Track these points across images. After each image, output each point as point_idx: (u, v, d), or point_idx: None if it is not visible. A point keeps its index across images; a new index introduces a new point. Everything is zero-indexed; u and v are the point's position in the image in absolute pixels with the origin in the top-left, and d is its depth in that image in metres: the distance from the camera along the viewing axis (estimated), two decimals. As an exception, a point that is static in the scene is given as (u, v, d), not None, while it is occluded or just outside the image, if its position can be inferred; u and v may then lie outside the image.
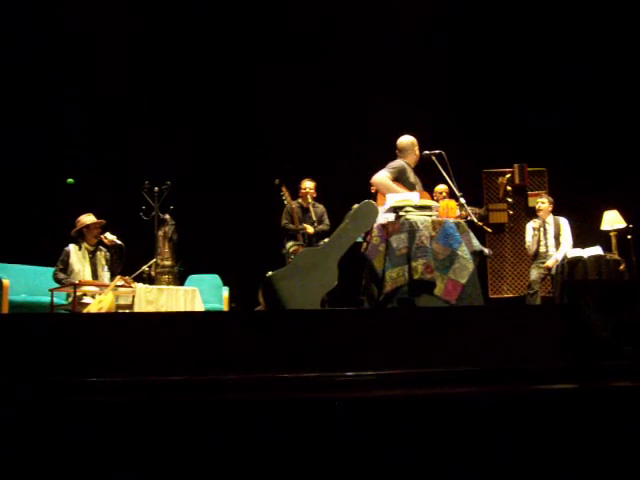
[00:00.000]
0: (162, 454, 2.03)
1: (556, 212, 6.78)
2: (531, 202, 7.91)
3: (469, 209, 4.76)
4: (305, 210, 6.15)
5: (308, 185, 6.23)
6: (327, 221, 6.20)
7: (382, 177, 4.88)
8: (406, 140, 5.05)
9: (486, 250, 4.60)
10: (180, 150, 7.23)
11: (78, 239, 5.87)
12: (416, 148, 5.00)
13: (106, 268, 5.93)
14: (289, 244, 5.84)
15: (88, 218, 5.89)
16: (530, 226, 6.70)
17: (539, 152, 7.70)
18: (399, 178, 4.91)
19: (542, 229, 6.56)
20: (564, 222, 6.58)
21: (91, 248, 5.89)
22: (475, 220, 4.79)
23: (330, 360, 2.53)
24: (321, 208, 6.26)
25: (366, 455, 2.04)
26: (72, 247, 5.81)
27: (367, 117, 7.25)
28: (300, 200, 6.23)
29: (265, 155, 7.13)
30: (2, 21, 6.77)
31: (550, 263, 6.34)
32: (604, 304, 2.74)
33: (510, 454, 2.07)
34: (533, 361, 2.59)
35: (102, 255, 5.94)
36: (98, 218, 5.98)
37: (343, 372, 2.41)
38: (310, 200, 6.18)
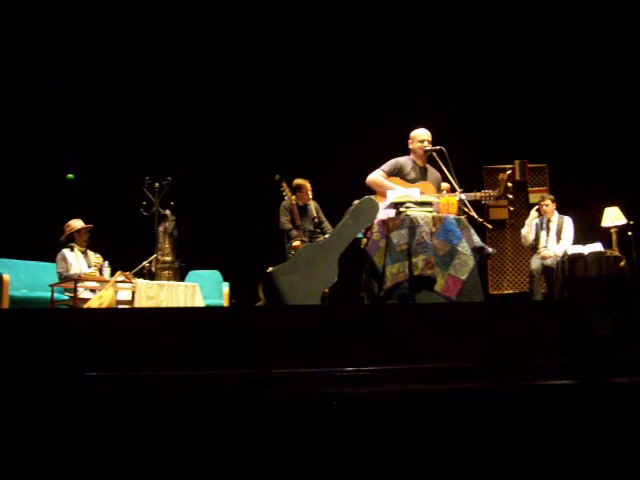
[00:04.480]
0: (162, 450, 2.04)
1: (557, 209, 6.82)
2: (532, 198, 7.94)
3: (481, 194, 4.76)
4: (303, 207, 6.10)
5: (307, 184, 6.18)
6: (323, 217, 6.17)
7: (374, 176, 4.87)
8: (411, 133, 5.01)
9: (489, 249, 4.58)
10: (180, 146, 7.23)
11: (69, 243, 5.96)
12: (416, 141, 4.92)
13: (106, 263, 5.95)
14: (295, 243, 5.74)
15: (77, 222, 6.00)
16: (534, 222, 6.80)
17: (540, 148, 7.70)
18: (398, 174, 4.89)
19: (545, 227, 6.69)
20: (568, 220, 6.72)
21: (82, 249, 5.99)
22: (475, 216, 4.79)
23: (330, 356, 2.53)
24: (315, 204, 6.23)
25: (366, 451, 2.04)
26: (65, 251, 5.92)
27: (368, 113, 7.25)
28: (296, 197, 6.13)
29: (266, 151, 7.12)
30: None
31: (547, 253, 6.48)
32: (604, 300, 2.74)
33: (509, 450, 2.07)
34: (533, 357, 2.59)
35: (93, 254, 6.02)
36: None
37: (343, 367, 2.41)
38: (311, 196, 6.15)
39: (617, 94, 7.27)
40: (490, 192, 4.80)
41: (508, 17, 7.30)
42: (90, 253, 6.05)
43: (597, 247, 6.18)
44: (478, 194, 4.75)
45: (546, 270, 6.46)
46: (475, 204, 4.89)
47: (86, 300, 5.45)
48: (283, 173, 5.77)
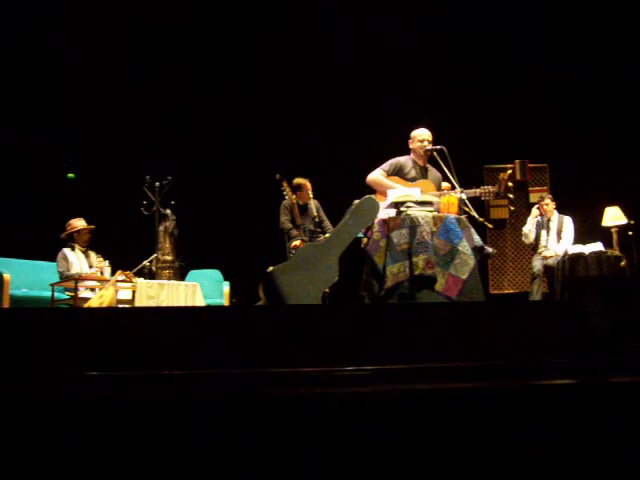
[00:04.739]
0: (162, 449, 2.04)
1: (558, 209, 6.83)
2: (532, 198, 7.94)
3: (480, 191, 4.76)
4: (303, 207, 6.08)
5: (308, 183, 6.18)
6: (323, 216, 6.16)
7: (375, 176, 4.90)
8: (411, 133, 5.02)
9: (489, 249, 4.58)
10: (181, 145, 7.23)
11: (69, 242, 5.97)
12: (416, 140, 4.94)
13: (107, 262, 5.95)
14: (295, 243, 5.71)
15: (79, 222, 5.99)
16: (535, 220, 6.82)
17: (540, 148, 7.70)
18: (398, 173, 4.91)
19: (546, 226, 6.72)
20: (568, 220, 6.74)
21: (83, 249, 6.00)
22: (476, 216, 4.79)
23: (331, 355, 2.53)
24: (316, 202, 6.22)
25: (366, 451, 2.04)
26: (66, 250, 5.93)
27: (368, 113, 7.25)
28: (296, 197, 6.11)
29: (266, 151, 7.12)
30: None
31: (548, 253, 6.50)
32: (605, 300, 2.74)
33: (509, 450, 2.07)
34: (533, 357, 2.59)
35: (94, 255, 6.03)
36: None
37: (343, 367, 2.41)
38: (311, 196, 6.14)
39: (617, 94, 7.26)
40: (490, 188, 4.80)
41: (507, 16, 7.30)
42: (91, 253, 6.05)
43: (598, 247, 6.19)
44: (478, 190, 4.76)
45: (548, 270, 6.48)
46: (476, 204, 4.89)
47: (86, 299, 5.46)
48: (283, 173, 5.77)
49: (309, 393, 2.20)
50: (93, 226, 6.07)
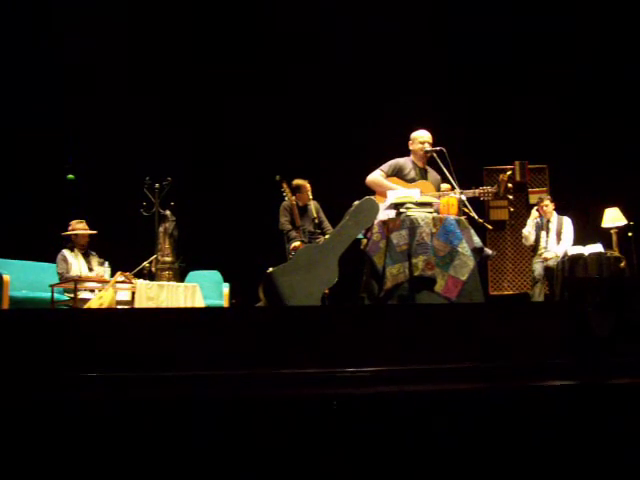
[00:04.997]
0: (161, 450, 2.03)
1: (557, 210, 6.84)
2: (532, 199, 7.95)
3: (479, 191, 4.76)
4: (303, 208, 6.08)
5: (307, 184, 6.17)
6: (323, 217, 6.16)
7: (374, 176, 4.90)
8: (412, 134, 5.02)
9: (489, 251, 4.58)
10: (181, 146, 7.23)
11: (69, 243, 5.96)
12: (417, 142, 4.94)
13: (106, 264, 5.95)
14: (295, 244, 5.70)
15: (79, 226, 5.98)
16: (534, 222, 6.83)
17: (540, 148, 7.71)
18: (397, 175, 4.91)
19: (545, 227, 6.73)
20: (567, 221, 6.74)
21: (82, 250, 5.99)
22: (476, 217, 4.79)
23: (330, 356, 2.53)
24: (316, 203, 6.21)
25: (366, 452, 2.04)
26: (65, 251, 5.93)
27: (368, 114, 7.25)
28: (296, 198, 6.11)
29: (266, 151, 7.12)
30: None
31: (548, 255, 6.50)
32: (605, 301, 2.74)
33: (509, 450, 2.07)
34: (533, 357, 2.59)
35: (94, 256, 6.02)
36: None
37: (343, 368, 2.41)
38: (311, 197, 6.13)
39: (617, 94, 7.27)
40: (488, 188, 4.81)
41: (507, 17, 7.30)
42: (93, 255, 6.03)
43: (597, 248, 6.20)
44: (477, 191, 4.76)
45: (547, 271, 6.48)
46: (475, 205, 4.89)
47: (86, 300, 5.45)
48: (283, 173, 5.76)
49: (309, 394, 2.20)
50: (94, 231, 6.05)
